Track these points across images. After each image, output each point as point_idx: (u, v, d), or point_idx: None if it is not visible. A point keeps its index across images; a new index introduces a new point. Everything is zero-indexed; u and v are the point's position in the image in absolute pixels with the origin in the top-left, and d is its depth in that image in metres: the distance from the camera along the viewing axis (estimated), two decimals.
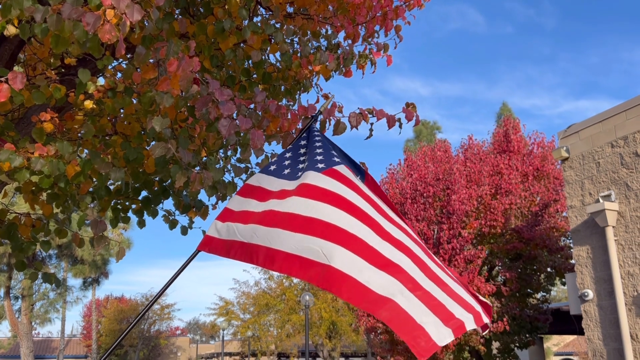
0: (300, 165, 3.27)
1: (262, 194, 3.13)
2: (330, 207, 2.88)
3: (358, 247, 2.71)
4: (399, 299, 2.55)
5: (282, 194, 3.03)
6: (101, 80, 3.71)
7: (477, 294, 3.11)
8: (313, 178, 3.04)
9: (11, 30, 3.07)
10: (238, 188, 3.47)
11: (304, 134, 3.55)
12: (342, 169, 3.16)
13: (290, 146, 3.50)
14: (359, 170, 3.54)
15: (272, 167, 3.31)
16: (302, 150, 3.41)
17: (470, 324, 2.62)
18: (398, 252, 2.79)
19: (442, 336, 2.50)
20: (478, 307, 2.80)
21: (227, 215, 3.09)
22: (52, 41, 2.82)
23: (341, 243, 2.71)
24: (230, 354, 41.95)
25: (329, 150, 3.32)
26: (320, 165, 3.13)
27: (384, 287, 2.59)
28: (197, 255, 3.08)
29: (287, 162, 3.33)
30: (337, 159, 3.23)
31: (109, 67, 3.78)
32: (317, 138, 3.44)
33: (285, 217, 2.91)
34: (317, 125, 3.89)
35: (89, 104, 3.66)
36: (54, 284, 4.21)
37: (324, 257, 2.66)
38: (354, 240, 2.74)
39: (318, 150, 3.28)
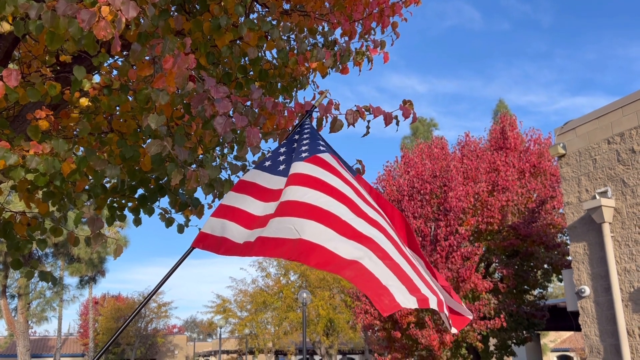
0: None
1: (258, 191, 3.14)
2: (308, 189, 2.95)
3: (330, 220, 2.78)
4: (366, 262, 2.60)
5: (280, 195, 3.06)
6: (97, 78, 3.70)
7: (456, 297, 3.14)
8: (296, 167, 3.11)
9: (5, 27, 3.05)
10: None
11: (297, 129, 3.57)
12: (326, 156, 3.21)
13: (284, 141, 3.52)
14: (350, 170, 3.55)
15: (267, 163, 3.33)
16: (295, 145, 3.43)
17: (433, 304, 2.61)
18: (372, 227, 2.83)
19: (407, 300, 2.52)
20: (443, 297, 2.80)
21: (222, 212, 3.10)
22: (47, 38, 2.80)
23: (313, 218, 2.78)
24: (227, 352, 41.98)
25: (316, 140, 3.35)
26: (304, 155, 3.20)
27: (352, 252, 2.64)
28: (192, 252, 3.09)
29: (281, 158, 3.35)
30: (322, 148, 3.27)
31: (105, 64, 3.77)
32: (306, 130, 3.48)
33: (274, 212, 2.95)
34: (314, 122, 3.88)
35: (84, 101, 3.64)
36: (50, 283, 4.20)
37: (296, 232, 2.73)
38: (327, 215, 2.80)
39: (305, 142, 3.34)
